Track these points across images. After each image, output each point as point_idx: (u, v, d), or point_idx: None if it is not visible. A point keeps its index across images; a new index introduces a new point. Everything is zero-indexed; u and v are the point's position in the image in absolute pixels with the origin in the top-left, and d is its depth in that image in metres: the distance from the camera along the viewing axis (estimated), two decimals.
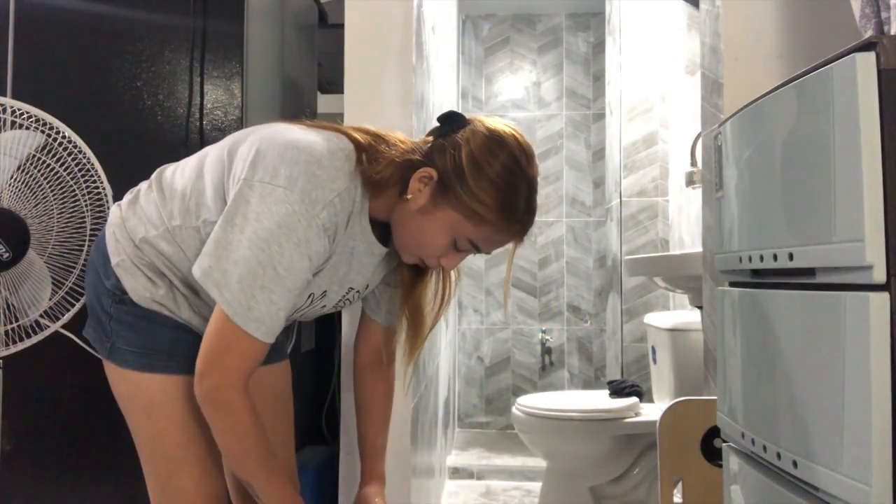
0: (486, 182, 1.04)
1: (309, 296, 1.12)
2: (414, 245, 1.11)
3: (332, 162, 1.03)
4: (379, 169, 1.07)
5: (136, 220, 1.11)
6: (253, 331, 0.99)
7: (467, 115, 1.12)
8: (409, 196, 1.07)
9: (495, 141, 1.06)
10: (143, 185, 1.17)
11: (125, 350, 1.10)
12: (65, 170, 1.47)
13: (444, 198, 1.06)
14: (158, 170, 1.18)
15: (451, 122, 1.11)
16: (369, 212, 1.10)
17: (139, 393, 1.10)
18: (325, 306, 1.18)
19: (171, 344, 1.11)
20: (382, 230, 1.15)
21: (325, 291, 1.14)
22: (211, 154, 1.11)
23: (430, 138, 1.13)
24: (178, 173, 1.13)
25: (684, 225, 2.88)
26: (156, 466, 1.12)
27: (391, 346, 1.33)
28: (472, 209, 1.05)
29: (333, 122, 1.15)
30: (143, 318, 1.10)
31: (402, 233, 1.11)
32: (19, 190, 1.44)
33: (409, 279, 1.23)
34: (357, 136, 1.09)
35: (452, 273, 1.24)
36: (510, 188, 1.05)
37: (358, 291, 1.20)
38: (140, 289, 1.09)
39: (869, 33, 1.05)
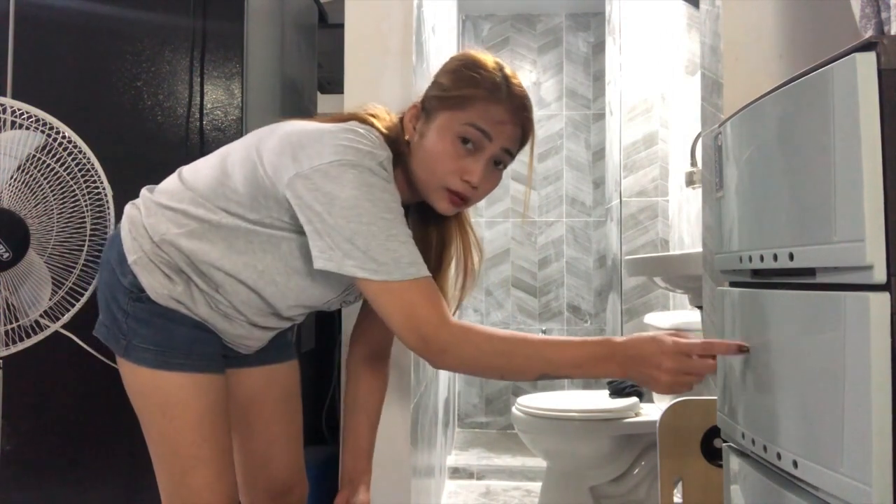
0: (460, 72, 1.09)
1: (343, 290, 1.14)
2: (430, 174, 1.09)
3: (366, 135, 1.05)
4: (393, 132, 1.11)
5: (156, 219, 1.11)
6: (415, 274, 1.00)
7: None
8: (407, 138, 1.11)
9: (459, 54, 1.14)
10: (163, 185, 1.18)
11: (141, 348, 1.10)
12: (65, 170, 1.47)
13: (433, 112, 1.09)
14: (176, 171, 1.19)
15: None
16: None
17: (155, 391, 1.11)
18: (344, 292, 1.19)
19: (188, 342, 1.11)
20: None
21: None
22: (234, 154, 1.12)
23: None
24: (201, 174, 1.14)
25: (684, 225, 2.88)
26: (169, 465, 1.12)
27: (390, 343, 1.33)
28: (456, 97, 1.07)
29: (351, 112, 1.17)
30: (160, 316, 1.10)
31: (419, 172, 1.10)
32: (19, 190, 1.44)
33: (433, 266, 1.22)
34: (373, 121, 1.12)
35: (475, 254, 1.24)
36: (479, 66, 1.09)
37: None
38: (157, 286, 1.09)
39: (869, 33, 1.06)
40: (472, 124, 1.06)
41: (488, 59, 1.11)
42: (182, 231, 1.09)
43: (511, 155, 1.11)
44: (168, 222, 1.10)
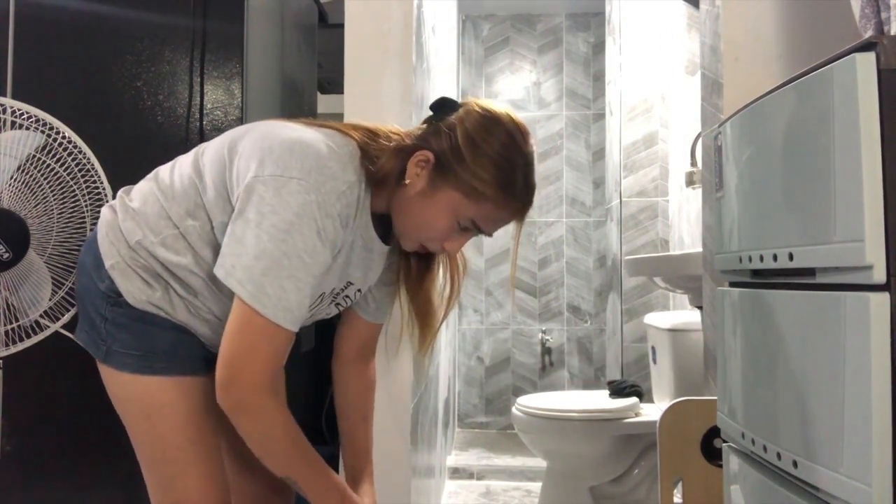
0: (483, 158, 1.05)
1: (320, 295, 1.12)
2: (415, 230, 1.11)
3: (340, 156, 1.04)
4: (381, 164, 1.08)
5: (133, 224, 1.09)
6: (282, 321, 0.98)
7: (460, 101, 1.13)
8: (406, 181, 1.08)
9: (490, 119, 1.08)
10: (138, 187, 1.16)
11: (122, 353, 1.09)
12: (65, 170, 1.47)
13: (443, 179, 1.06)
14: (153, 171, 1.17)
15: (444, 107, 1.12)
16: (371, 208, 1.11)
17: (137, 396, 1.10)
18: (332, 301, 1.19)
19: (169, 346, 1.10)
20: (383, 228, 1.15)
21: (334, 288, 1.14)
22: (208, 153, 1.10)
23: (424, 125, 1.14)
24: (175, 175, 1.12)
25: (684, 225, 2.88)
26: (156, 471, 1.11)
27: (375, 342, 1.34)
28: (472, 187, 1.05)
29: (332, 122, 1.15)
30: (140, 321, 1.09)
31: (402, 219, 1.11)
32: (19, 190, 1.44)
33: (416, 273, 1.23)
34: (354, 134, 1.10)
35: (460, 261, 1.24)
36: (508, 163, 1.06)
37: (359, 289, 1.19)
38: (136, 291, 1.08)
39: (869, 33, 1.05)
40: (474, 222, 1.08)
41: (520, 139, 1.08)
42: (157, 239, 1.07)
43: None
44: (144, 228, 1.08)
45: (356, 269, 1.15)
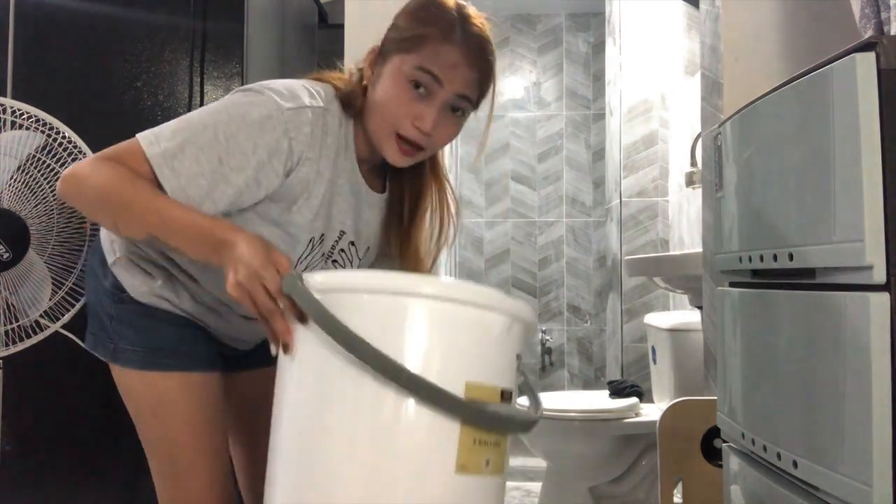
0: (413, 12, 1.06)
1: (309, 240, 1.11)
2: (380, 119, 1.06)
3: (311, 86, 1.06)
4: (350, 85, 1.10)
5: None
6: (161, 176, 0.95)
7: None
8: (365, 83, 1.09)
9: None
10: None
11: (128, 350, 1.09)
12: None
13: (385, 55, 1.06)
14: None
15: None
16: (357, 152, 1.10)
17: (144, 392, 1.10)
18: (325, 255, 1.15)
19: (175, 341, 1.10)
20: (380, 181, 1.16)
21: (323, 234, 1.12)
22: None
23: None
24: None
25: (684, 225, 2.88)
26: (164, 467, 1.11)
27: None
28: (405, 38, 1.04)
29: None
30: (146, 317, 1.10)
31: (371, 120, 1.07)
32: (19, 190, 1.44)
33: (406, 220, 1.20)
34: (330, 79, 1.12)
35: (451, 204, 1.21)
36: (435, 4, 1.05)
37: (352, 242, 1.17)
38: (138, 284, 1.09)
39: (869, 33, 1.06)
40: (422, 67, 1.01)
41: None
42: None
43: (469, 101, 1.06)
44: None
45: (343, 214, 1.13)
